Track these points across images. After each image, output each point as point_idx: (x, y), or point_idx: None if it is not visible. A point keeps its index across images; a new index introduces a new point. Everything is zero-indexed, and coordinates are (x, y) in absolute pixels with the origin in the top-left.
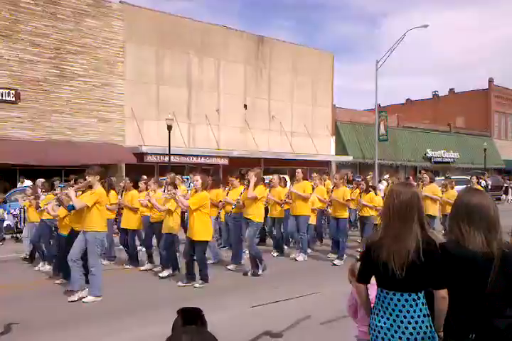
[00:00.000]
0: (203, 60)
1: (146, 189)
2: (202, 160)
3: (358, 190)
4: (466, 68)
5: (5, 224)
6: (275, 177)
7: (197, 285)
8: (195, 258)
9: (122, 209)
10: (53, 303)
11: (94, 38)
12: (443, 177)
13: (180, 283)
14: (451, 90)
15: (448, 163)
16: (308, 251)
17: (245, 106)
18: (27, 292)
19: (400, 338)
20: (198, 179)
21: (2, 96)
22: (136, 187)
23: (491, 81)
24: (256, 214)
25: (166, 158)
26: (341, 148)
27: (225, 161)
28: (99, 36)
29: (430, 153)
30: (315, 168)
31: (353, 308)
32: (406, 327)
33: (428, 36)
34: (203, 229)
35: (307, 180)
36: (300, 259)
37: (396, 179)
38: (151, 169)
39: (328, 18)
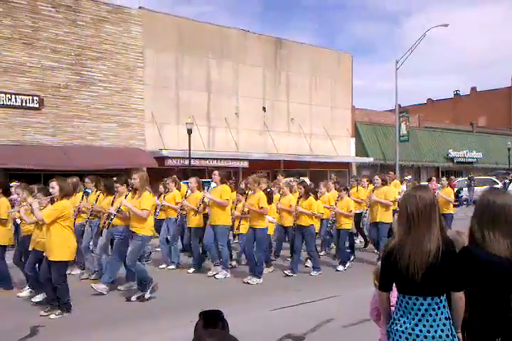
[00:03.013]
0: (222, 63)
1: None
2: (222, 163)
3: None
4: (488, 67)
5: None
6: (192, 180)
7: (53, 316)
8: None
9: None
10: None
11: (114, 44)
12: (466, 178)
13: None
14: (473, 89)
15: (471, 163)
16: (233, 263)
17: (264, 108)
18: None
19: None
20: (54, 186)
21: (26, 103)
22: (7, 194)
23: None
24: (141, 226)
25: (186, 162)
26: (361, 150)
27: (245, 164)
28: (119, 42)
29: (452, 154)
30: (335, 169)
31: (376, 311)
32: (428, 331)
33: (449, 35)
34: (60, 247)
35: (227, 183)
36: (220, 277)
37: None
38: (172, 173)
39: (348, 18)
